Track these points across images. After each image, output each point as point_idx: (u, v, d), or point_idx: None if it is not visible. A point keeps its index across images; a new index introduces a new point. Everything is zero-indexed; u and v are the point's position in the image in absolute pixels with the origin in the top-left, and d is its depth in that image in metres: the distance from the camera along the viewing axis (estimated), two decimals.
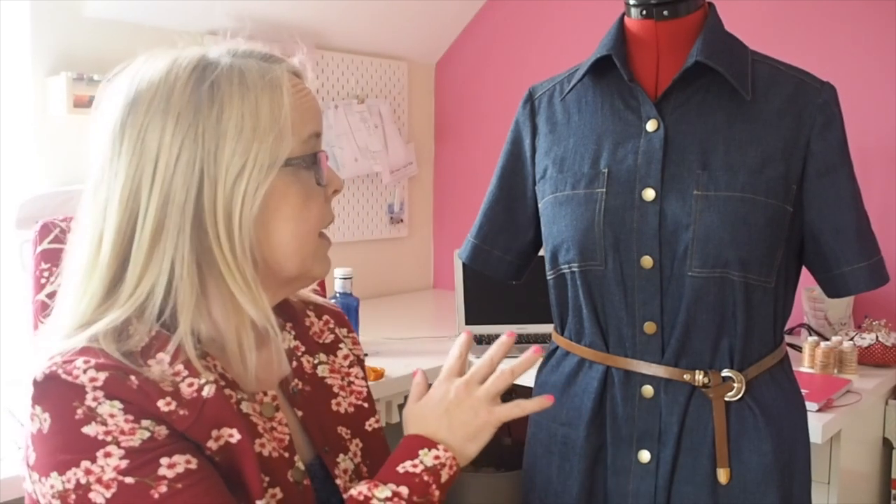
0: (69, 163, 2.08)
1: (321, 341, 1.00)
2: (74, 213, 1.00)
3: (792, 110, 1.17)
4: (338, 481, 0.91)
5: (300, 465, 0.86)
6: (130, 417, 0.74)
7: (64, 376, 0.74)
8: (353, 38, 2.80)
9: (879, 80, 2.28)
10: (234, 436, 0.79)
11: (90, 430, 0.73)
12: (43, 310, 1.04)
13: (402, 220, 3.08)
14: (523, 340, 2.24)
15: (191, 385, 0.79)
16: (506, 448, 2.85)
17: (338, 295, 2.07)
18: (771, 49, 1.26)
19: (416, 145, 3.08)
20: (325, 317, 1.03)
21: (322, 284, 1.46)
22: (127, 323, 0.81)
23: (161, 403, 0.76)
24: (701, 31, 1.18)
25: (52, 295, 1.06)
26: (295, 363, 0.95)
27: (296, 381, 0.94)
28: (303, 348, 0.98)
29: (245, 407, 0.84)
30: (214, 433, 0.78)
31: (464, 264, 2.35)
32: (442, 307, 2.83)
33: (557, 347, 1.29)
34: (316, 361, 0.98)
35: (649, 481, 1.17)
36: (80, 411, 0.73)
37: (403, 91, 3.03)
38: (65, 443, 0.73)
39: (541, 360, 1.03)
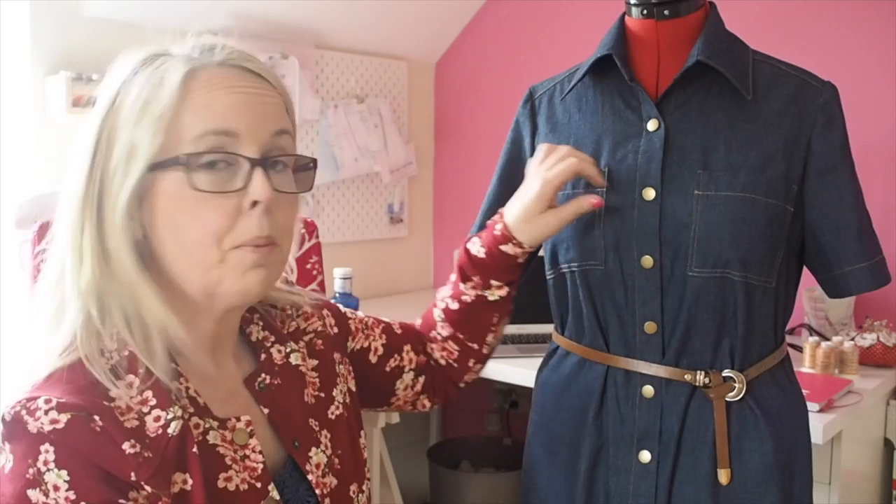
0: (69, 163, 2.08)
1: (286, 330, 0.97)
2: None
3: (793, 110, 1.16)
4: (310, 477, 0.89)
5: (274, 495, 0.84)
6: (73, 496, 0.72)
7: (26, 418, 0.73)
8: (353, 37, 2.80)
9: (880, 79, 2.28)
10: (188, 482, 0.77)
11: (33, 494, 0.72)
12: None
13: (401, 220, 3.07)
14: (524, 340, 2.24)
15: (157, 419, 0.77)
16: (506, 448, 2.86)
17: (338, 295, 2.07)
18: (772, 48, 1.26)
19: (416, 145, 3.08)
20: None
21: (322, 284, 1.45)
22: (95, 325, 0.80)
23: (126, 446, 0.74)
24: (702, 31, 1.18)
25: None
26: (264, 355, 0.93)
27: (263, 375, 0.91)
28: (272, 338, 0.95)
29: (213, 437, 0.82)
30: (173, 478, 0.77)
31: None
32: None
33: (558, 347, 1.29)
34: (287, 350, 0.95)
35: (650, 481, 1.17)
36: (31, 471, 0.72)
37: (403, 91, 3.03)
38: (13, 494, 0.72)
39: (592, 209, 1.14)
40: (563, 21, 2.82)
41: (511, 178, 1.33)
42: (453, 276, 1.16)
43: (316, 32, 2.66)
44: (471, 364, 1.18)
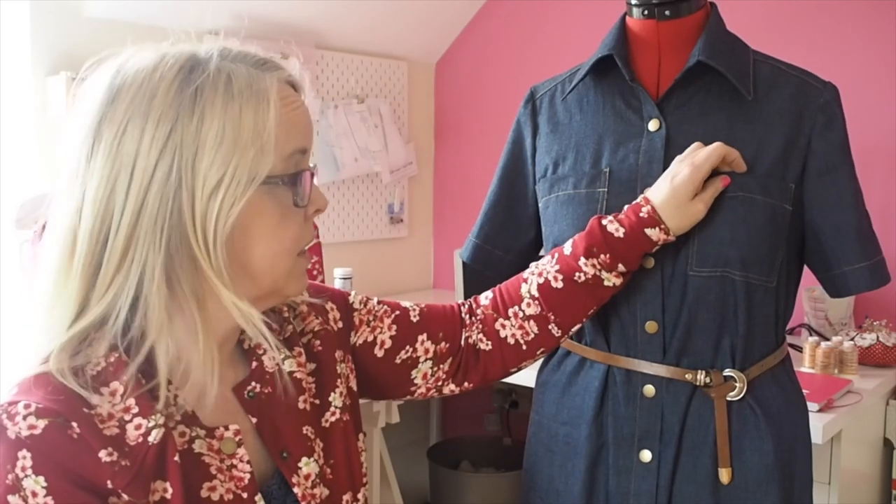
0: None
1: (281, 336, 0.95)
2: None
3: (793, 110, 1.17)
4: (296, 490, 0.87)
5: None
6: (51, 501, 0.72)
7: (6, 423, 0.73)
8: (353, 38, 2.80)
9: (881, 79, 2.28)
10: (168, 490, 0.77)
11: (13, 500, 0.72)
12: None
13: (402, 220, 3.07)
14: None
15: (138, 427, 0.77)
16: (506, 448, 2.86)
17: None
18: (772, 49, 1.26)
19: (416, 145, 3.08)
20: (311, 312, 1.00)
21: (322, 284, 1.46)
22: (84, 334, 0.79)
23: (103, 454, 0.74)
24: (703, 31, 1.18)
25: None
26: (255, 363, 0.91)
27: (253, 384, 0.89)
28: (265, 345, 0.92)
29: (199, 446, 0.81)
30: (152, 486, 0.76)
31: (464, 264, 2.35)
32: None
33: (558, 347, 1.29)
34: (281, 356, 0.92)
35: (650, 481, 1.17)
36: (10, 477, 0.72)
37: (403, 91, 3.03)
38: None
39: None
40: (563, 21, 2.82)
41: (512, 179, 1.34)
42: (568, 249, 1.12)
43: (316, 32, 2.66)
44: (539, 352, 1.14)
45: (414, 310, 1.11)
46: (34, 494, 0.72)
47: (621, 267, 1.11)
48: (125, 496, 0.74)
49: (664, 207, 1.09)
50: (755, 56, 1.20)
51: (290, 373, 0.92)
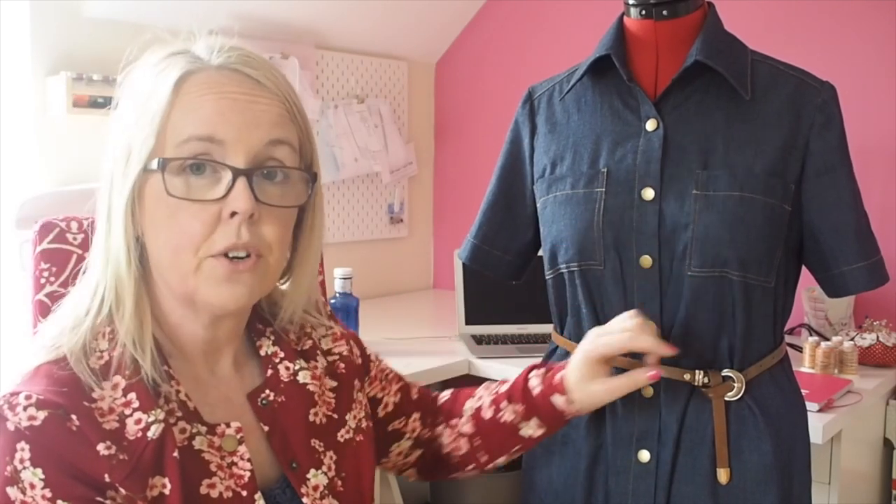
0: (69, 163, 2.08)
1: (299, 348, 0.95)
2: (74, 213, 1.00)
3: (791, 110, 1.17)
4: (305, 500, 0.87)
5: (261, 503, 0.83)
6: (49, 494, 0.72)
7: (6, 414, 0.74)
8: (353, 38, 2.80)
9: (880, 79, 2.28)
10: (167, 486, 0.77)
11: (12, 492, 0.72)
12: (42, 310, 1.04)
13: (402, 220, 3.08)
14: (523, 340, 2.24)
15: (138, 422, 0.77)
16: None
17: (338, 295, 2.07)
18: (770, 49, 1.26)
19: (416, 145, 3.08)
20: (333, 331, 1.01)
21: (322, 284, 1.45)
22: (102, 327, 0.81)
23: (101, 448, 0.75)
24: (700, 31, 1.18)
25: (50, 295, 1.06)
26: (271, 371, 0.91)
27: (267, 391, 0.89)
28: (281, 354, 0.93)
29: (199, 442, 0.81)
30: (150, 481, 0.77)
31: (464, 264, 2.35)
32: (442, 307, 2.83)
33: (557, 347, 1.29)
34: (297, 367, 0.92)
35: (649, 481, 1.17)
36: (8, 469, 0.73)
37: (403, 91, 3.04)
38: None
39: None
40: (562, 21, 2.82)
41: (510, 179, 1.34)
42: (506, 385, 1.11)
43: (316, 32, 2.66)
44: (468, 469, 1.12)
45: (414, 387, 1.12)
46: (32, 486, 0.72)
47: (538, 422, 1.07)
48: (123, 490, 0.75)
49: (570, 377, 1.06)
50: (753, 56, 1.20)
51: (304, 384, 0.92)
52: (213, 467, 0.81)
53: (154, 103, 0.79)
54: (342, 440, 0.94)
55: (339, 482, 0.91)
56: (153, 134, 0.78)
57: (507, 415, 1.08)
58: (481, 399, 1.12)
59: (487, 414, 1.09)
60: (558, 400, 1.06)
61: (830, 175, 1.16)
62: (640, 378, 1.06)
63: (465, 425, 1.11)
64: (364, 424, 0.98)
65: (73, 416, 0.75)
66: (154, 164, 0.79)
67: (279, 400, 0.89)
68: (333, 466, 0.91)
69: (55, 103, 2.03)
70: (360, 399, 0.99)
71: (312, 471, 0.89)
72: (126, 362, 0.80)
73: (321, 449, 0.91)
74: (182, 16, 2.25)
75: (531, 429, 1.07)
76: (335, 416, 0.94)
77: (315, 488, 0.88)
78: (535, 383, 1.08)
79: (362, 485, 0.95)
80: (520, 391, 1.08)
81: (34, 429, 0.73)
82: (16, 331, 1.92)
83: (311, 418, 0.91)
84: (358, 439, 0.96)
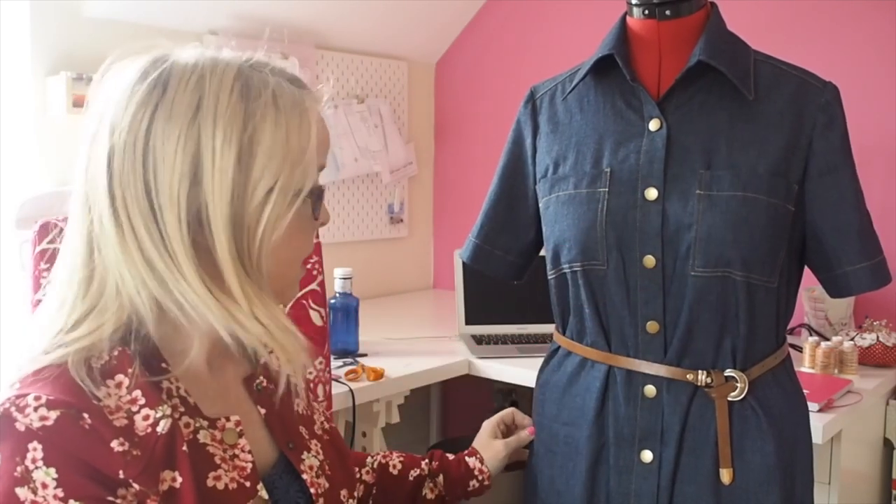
0: (69, 163, 2.08)
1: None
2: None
3: (794, 110, 1.16)
4: (304, 476, 0.91)
5: (263, 494, 0.85)
6: (61, 493, 0.72)
7: (15, 415, 0.74)
8: (353, 38, 2.80)
9: (880, 79, 2.28)
10: (177, 480, 0.78)
11: (21, 492, 0.72)
12: None
13: (402, 220, 3.07)
14: (524, 340, 2.24)
15: (146, 418, 0.78)
16: None
17: (338, 295, 2.07)
18: (773, 49, 1.26)
19: (416, 145, 3.08)
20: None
21: (322, 285, 1.45)
22: (101, 333, 0.80)
23: (115, 444, 0.75)
24: (703, 31, 1.18)
25: None
26: (263, 359, 0.94)
27: (261, 378, 0.95)
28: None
29: (203, 436, 0.83)
30: (161, 475, 0.78)
31: (464, 264, 2.35)
32: (442, 307, 2.83)
33: (559, 347, 1.29)
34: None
35: (651, 481, 1.17)
36: (19, 469, 0.73)
37: (403, 91, 3.03)
38: (2, 492, 0.73)
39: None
40: (563, 21, 2.82)
41: (512, 179, 1.33)
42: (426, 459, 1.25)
43: (316, 32, 2.66)
44: None
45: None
46: (44, 486, 0.72)
47: (440, 480, 1.22)
48: (136, 486, 0.76)
49: (478, 443, 1.31)
50: (756, 56, 1.20)
51: (287, 375, 0.94)
52: (217, 460, 0.83)
53: (303, 137, 0.82)
54: (319, 432, 1.00)
55: (328, 466, 0.96)
56: (313, 167, 0.83)
57: (424, 469, 1.23)
58: (388, 458, 1.23)
59: (395, 471, 1.22)
60: (471, 461, 1.27)
61: (833, 175, 1.16)
62: (524, 436, 1.33)
63: (368, 476, 1.20)
64: (327, 426, 1.03)
65: (85, 415, 0.75)
66: (305, 192, 0.83)
67: (270, 386, 0.95)
68: (320, 451, 0.97)
69: (55, 103, 2.03)
70: (316, 407, 1.05)
71: (305, 453, 0.94)
72: (126, 361, 0.80)
73: (307, 436, 0.97)
74: (182, 16, 2.25)
75: (430, 489, 1.22)
76: (309, 412, 1.01)
77: (311, 468, 0.93)
78: (458, 454, 1.27)
79: (347, 468, 1.01)
80: (441, 451, 1.26)
81: (47, 428, 0.73)
82: (16, 331, 1.91)
83: (295, 408, 0.98)
84: (327, 438, 1.01)
